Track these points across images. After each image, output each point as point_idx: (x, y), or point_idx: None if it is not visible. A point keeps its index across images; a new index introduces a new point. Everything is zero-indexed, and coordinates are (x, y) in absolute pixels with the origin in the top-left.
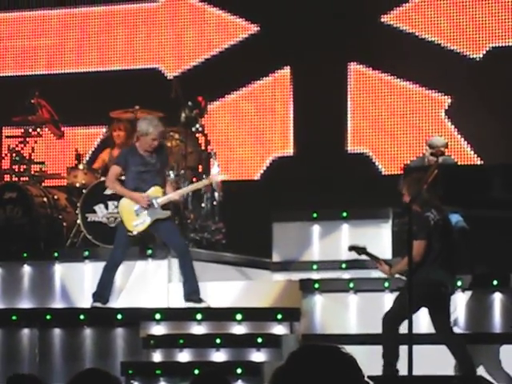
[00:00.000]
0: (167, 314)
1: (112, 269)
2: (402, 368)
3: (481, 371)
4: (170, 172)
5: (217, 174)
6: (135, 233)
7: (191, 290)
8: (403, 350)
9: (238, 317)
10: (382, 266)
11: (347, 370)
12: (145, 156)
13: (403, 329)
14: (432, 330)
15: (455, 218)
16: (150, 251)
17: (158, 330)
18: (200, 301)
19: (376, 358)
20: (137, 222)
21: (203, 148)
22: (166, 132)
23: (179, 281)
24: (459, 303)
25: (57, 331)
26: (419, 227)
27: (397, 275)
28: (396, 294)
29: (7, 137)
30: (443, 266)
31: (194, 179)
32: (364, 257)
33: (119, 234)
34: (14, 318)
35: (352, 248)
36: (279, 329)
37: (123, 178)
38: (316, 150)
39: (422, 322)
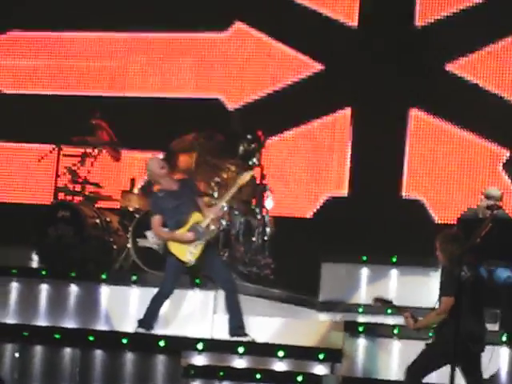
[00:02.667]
0: (210, 344)
1: (160, 301)
2: None
3: None
4: (224, 204)
5: (245, 175)
6: (193, 261)
7: (237, 325)
8: None
9: (280, 353)
10: (407, 319)
11: None
12: (170, 191)
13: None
14: None
15: (506, 273)
16: (197, 281)
17: (200, 360)
18: (245, 335)
19: None
20: (190, 251)
21: (258, 182)
22: (223, 163)
23: (224, 313)
24: (502, 358)
25: (98, 353)
26: (449, 284)
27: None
28: None
29: (65, 155)
30: (474, 319)
31: (247, 213)
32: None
33: (169, 266)
34: (57, 336)
35: (377, 300)
36: (320, 369)
37: None
38: (371, 192)
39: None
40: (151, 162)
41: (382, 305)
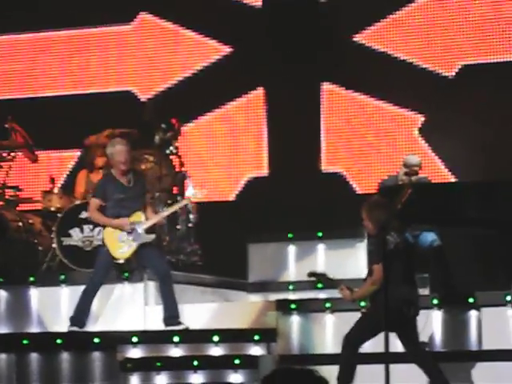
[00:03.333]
0: (144, 336)
1: (91, 293)
2: None
3: None
4: (167, 214)
5: (194, 193)
6: (122, 260)
7: (171, 315)
8: (381, 368)
9: (215, 338)
10: (343, 290)
11: None
12: (122, 182)
13: (379, 347)
14: None
15: (430, 237)
16: (126, 274)
17: (135, 353)
18: (179, 324)
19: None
20: (123, 249)
21: (177, 170)
22: (140, 154)
23: (156, 304)
24: (435, 321)
25: (34, 356)
26: (378, 252)
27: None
28: None
29: None
30: (406, 286)
31: (169, 201)
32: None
33: (100, 258)
34: None
35: (312, 274)
36: (256, 350)
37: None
38: (290, 170)
39: (398, 340)
40: (122, 146)
41: (317, 278)
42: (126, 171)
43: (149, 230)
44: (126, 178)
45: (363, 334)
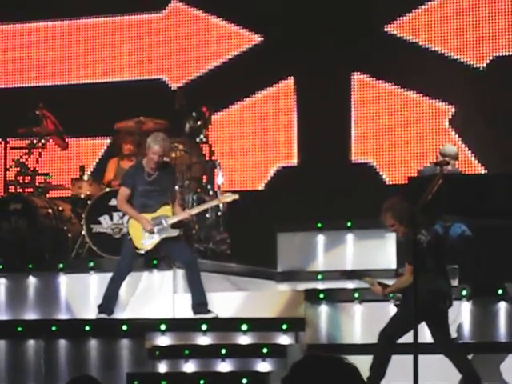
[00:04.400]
0: (172, 324)
1: (118, 280)
2: (408, 378)
3: (485, 380)
4: (195, 213)
5: (228, 195)
6: (143, 251)
7: (199, 302)
8: (409, 359)
9: (244, 327)
10: (374, 286)
11: (349, 381)
12: (151, 174)
13: (409, 338)
14: None
15: (461, 228)
16: (155, 262)
17: (164, 340)
18: (208, 312)
19: None
20: (146, 240)
21: (207, 159)
22: (172, 146)
23: (184, 291)
24: (464, 312)
25: (62, 342)
26: (409, 250)
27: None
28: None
29: (12, 148)
30: (440, 278)
31: (199, 190)
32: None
33: (126, 246)
34: (19, 329)
35: (344, 275)
36: (284, 339)
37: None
38: (320, 159)
39: (428, 331)
40: (163, 143)
41: (348, 278)
42: (156, 164)
43: (174, 225)
44: (154, 171)
45: (398, 329)
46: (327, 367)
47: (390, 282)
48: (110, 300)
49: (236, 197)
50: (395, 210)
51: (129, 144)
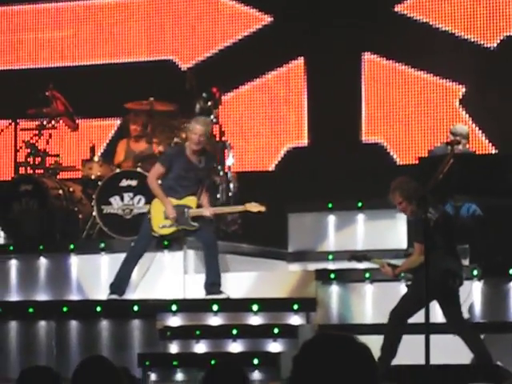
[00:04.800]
0: (183, 305)
1: (132, 261)
2: (420, 357)
3: (497, 360)
4: (219, 213)
5: (255, 205)
6: (157, 235)
7: (213, 282)
8: (421, 339)
9: (255, 307)
10: (384, 268)
11: (361, 360)
12: (191, 160)
13: (420, 318)
14: None
15: (472, 208)
16: (165, 243)
17: (175, 321)
18: (220, 292)
19: None
20: (164, 224)
21: (218, 139)
22: (180, 123)
23: (195, 272)
24: (475, 292)
25: (73, 323)
26: (417, 229)
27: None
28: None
29: (22, 129)
30: (449, 257)
31: None
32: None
33: (144, 227)
34: (30, 310)
35: (352, 258)
36: (295, 319)
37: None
38: (331, 140)
39: (439, 311)
40: (203, 127)
41: (357, 260)
42: (197, 151)
43: (194, 219)
44: (195, 158)
45: (409, 308)
46: (338, 346)
47: (400, 262)
48: (122, 280)
49: (263, 209)
50: (403, 189)
51: (135, 125)
